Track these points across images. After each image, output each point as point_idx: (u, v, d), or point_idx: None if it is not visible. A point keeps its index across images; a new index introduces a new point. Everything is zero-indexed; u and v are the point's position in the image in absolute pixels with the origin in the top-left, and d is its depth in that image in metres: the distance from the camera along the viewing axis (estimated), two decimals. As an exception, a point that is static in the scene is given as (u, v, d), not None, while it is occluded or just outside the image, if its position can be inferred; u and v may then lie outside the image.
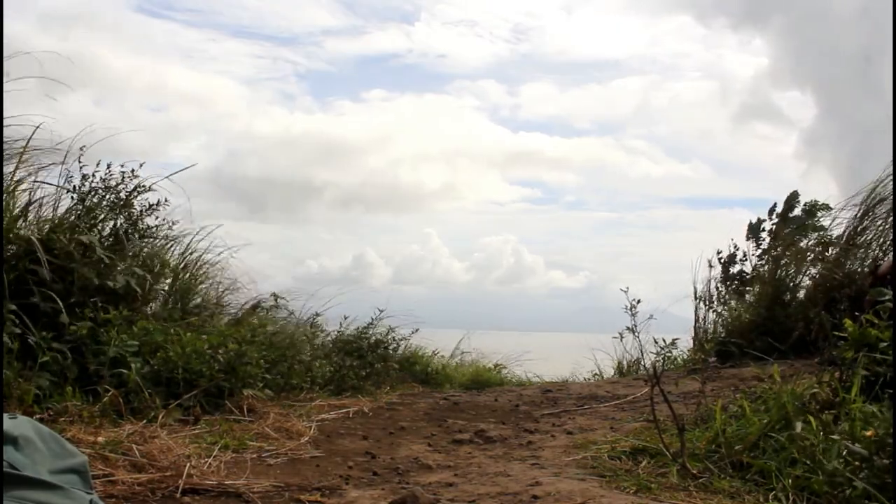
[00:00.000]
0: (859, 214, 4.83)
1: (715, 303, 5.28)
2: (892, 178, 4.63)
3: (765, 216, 5.34)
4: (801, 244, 4.99)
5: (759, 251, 5.17)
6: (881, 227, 4.76)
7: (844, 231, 4.90)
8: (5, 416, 1.13)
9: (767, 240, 5.16)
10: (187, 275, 4.06)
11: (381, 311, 4.45)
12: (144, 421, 2.49)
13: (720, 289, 5.28)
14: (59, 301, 2.79)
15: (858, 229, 4.82)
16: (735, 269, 5.30)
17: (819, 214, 5.09)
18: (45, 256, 2.82)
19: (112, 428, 2.37)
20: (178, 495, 1.89)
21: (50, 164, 3.43)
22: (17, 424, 1.14)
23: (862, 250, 4.77)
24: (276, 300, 4.43)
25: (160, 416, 2.58)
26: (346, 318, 4.55)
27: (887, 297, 2.58)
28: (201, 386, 2.87)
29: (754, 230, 5.22)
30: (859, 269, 4.61)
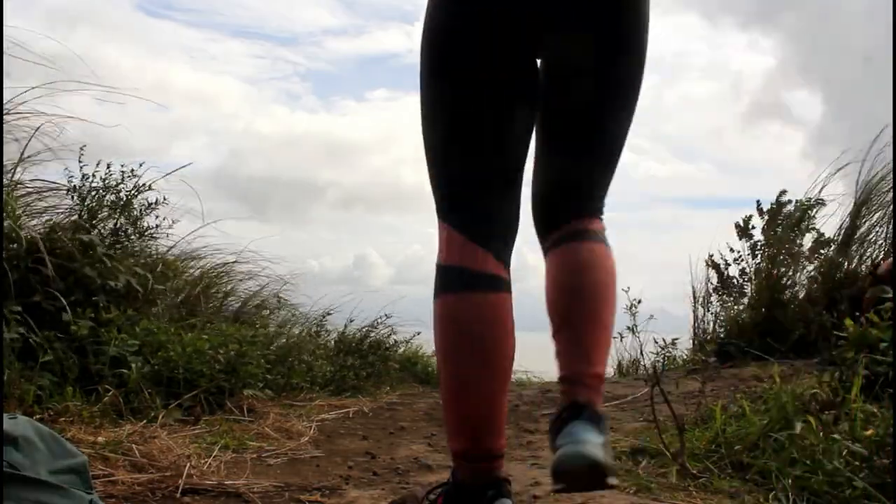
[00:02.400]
0: (852, 212, 4.84)
1: (713, 303, 5.28)
2: (892, 175, 4.64)
3: (755, 215, 5.32)
4: (797, 243, 4.97)
5: (752, 251, 5.16)
6: (878, 223, 4.76)
7: (840, 229, 4.90)
8: (5, 416, 1.14)
9: (761, 239, 5.15)
10: (190, 274, 4.07)
11: (387, 317, 4.46)
12: (144, 421, 2.49)
13: (717, 289, 5.28)
14: (61, 300, 2.79)
15: (857, 224, 4.83)
16: (730, 270, 5.29)
17: (812, 212, 5.07)
18: (47, 256, 2.82)
19: (112, 428, 2.37)
20: (178, 495, 1.89)
21: (51, 164, 3.45)
22: (17, 425, 1.14)
23: (856, 247, 4.77)
24: (278, 301, 4.44)
25: (160, 416, 2.58)
26: (351, 320, 4.56)
27: (888, 297, 2.58)
28: (202, 386, 2.87)
29: (744, 229, 5.21)
30: (859, 270, 4.61)
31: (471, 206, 1.34)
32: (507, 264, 1.35)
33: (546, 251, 1.41)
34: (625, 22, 1.32)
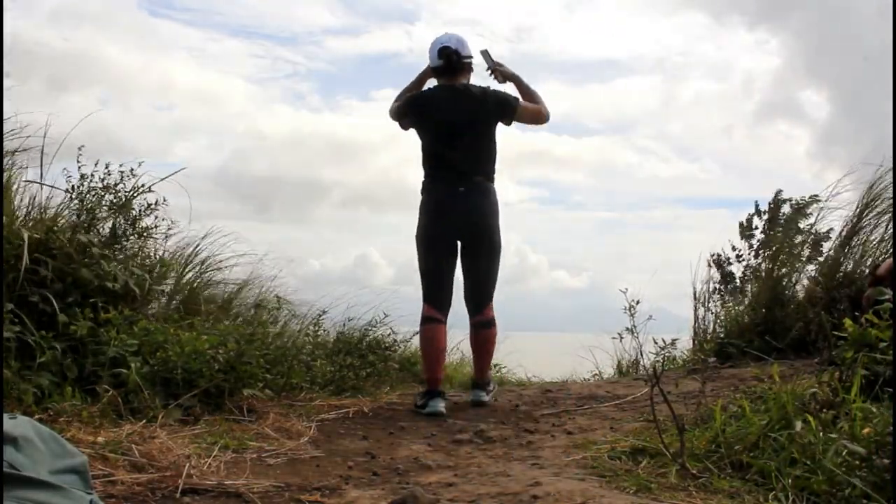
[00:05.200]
0: (856, 212, 4.84)
1: (713, 303, 5.28)
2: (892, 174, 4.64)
3: (755, 215, 5.32)
4: (795, 242, 4.97)
5: (753, 251, 5.17)
6: (879, 225, 4.76)
7: (842, 229, 4.90)
8: (5, 416, 1.14)
9: (761, 238, 5.15)
10: (189, 274, 4.07)
11: (385, 315, 4.43)
12: (144, 421, 2.49)
13: (718, 289, 5.28)
14: (58, 301, 2.79)
15: (856, 227, 4.83)
16: (731, 270, 5.30)
17: (809, 210, 5.07)
18: (44, 257, 2.83)
19: (112, 428, 2.37)
20: (177, 495, 1.89)
21: (51, 164, 3.44)
22: (17, 424, 1.14)
23: (857, 248, 4.77)
24: (278, 301, 4.43)
25: (160, 416, 2.58)
26: (349, 319, 4.54)
27: (887, 297, 2.58)
28: (201, 386, 2.86)
29: (746, 229, 5.22)
30: (858, 270, 4.62)
31: (431, 297, 3.59)
32: (446, 315, 3.60)
33: (470, 326, 3.68)
34: (481, 245, 3.57)
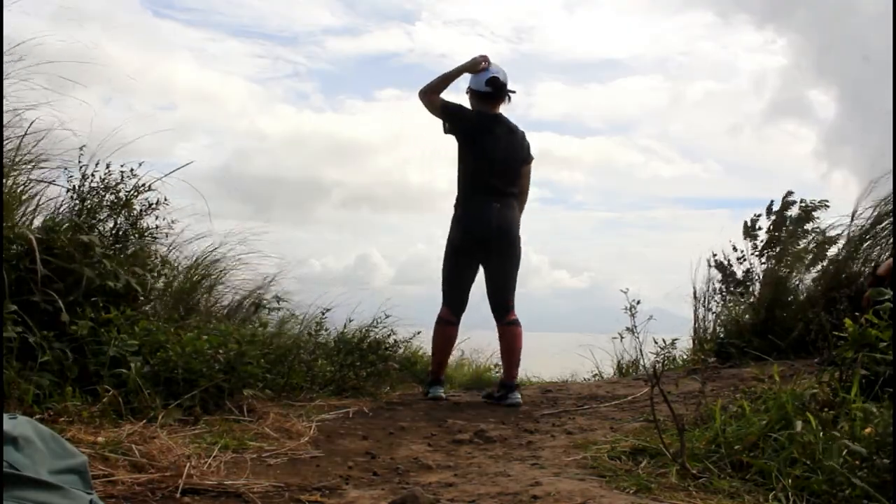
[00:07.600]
0: (868, 224, 4.82)
1: (713, 303, 5.27)
2: (892, 181, 4.63)
3: (762, 215, 5.31)
4: (800, 244, 4.97)
5: (757, 252, 5.16)
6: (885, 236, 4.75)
7: (847, 234, 4.89)
8: (5, 416, 1.14)
9: (765, 239, 5.14)
10: (191, 274, 4.06)
11: (386, 316, 4.43)
12: (144, 421, 2.49)
13: (718, 289, 5.27)
14: (59, 301, 2.79)
15: (866, 237, 4.81)
16: (733, 270, 5.28)
17: (816, 214, 5.06)
18: (45, 256, 2.82)
19: (112, 428, 2.37)
20: (177, 495, 1.89)
21: (53, 164, 3.44)
22: (17, 425, 1.14)
23: (863, 251, 4.77)
24: (278, 301, 4.42)
25: (160, 416, 2.58)
26: (350, 320, 4.54)
27: (887, 297, 2.58)
28: (201, 386, 2.86)
29: (750, 229, 5.21)
30: (859, 270, 4.61)
31: (452, 302, 4.09)
32: (459, 318, 4.12)
33: (499, 328, 4.05)
34: (510, 254, 4.03)
